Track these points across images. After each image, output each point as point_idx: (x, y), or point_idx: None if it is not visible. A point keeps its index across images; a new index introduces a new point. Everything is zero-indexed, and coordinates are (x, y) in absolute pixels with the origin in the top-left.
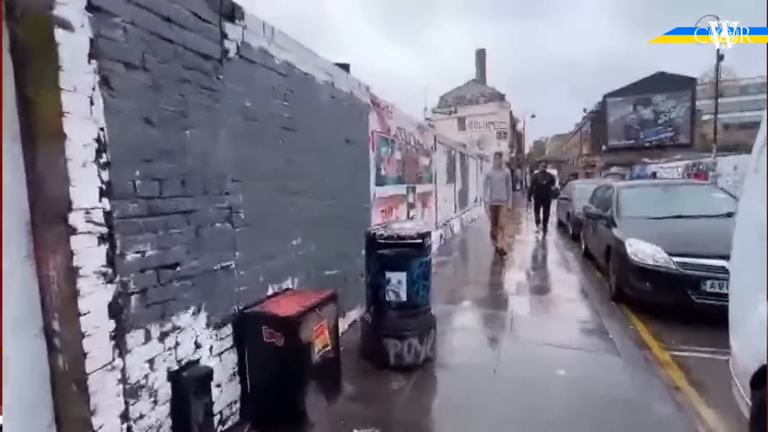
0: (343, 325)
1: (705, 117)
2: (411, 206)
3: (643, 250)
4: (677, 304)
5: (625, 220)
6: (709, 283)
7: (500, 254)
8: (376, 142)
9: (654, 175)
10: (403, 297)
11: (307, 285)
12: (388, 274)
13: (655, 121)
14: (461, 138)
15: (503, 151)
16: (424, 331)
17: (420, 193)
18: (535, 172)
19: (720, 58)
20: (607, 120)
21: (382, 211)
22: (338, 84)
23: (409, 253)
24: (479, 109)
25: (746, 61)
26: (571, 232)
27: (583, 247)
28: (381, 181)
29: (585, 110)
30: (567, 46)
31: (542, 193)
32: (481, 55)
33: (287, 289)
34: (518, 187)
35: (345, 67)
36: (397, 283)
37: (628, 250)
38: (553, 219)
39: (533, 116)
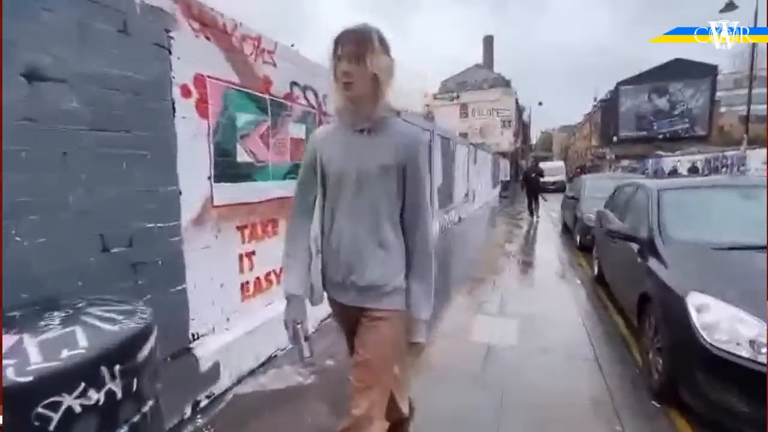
0: None
1: (722, 109)
2: None
3: (728, 324)
4: None
5: (676, 250)
6: None
7: None
8: (217, 99)
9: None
10: None
11: None
12: None
13: (671, 111)
14: (462, 126)
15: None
16: None
17: None
18: (528, 165)
19: None
20: (619, 109)
21: (243, 229)
22: None
23: None
24: (483, 95)
25: None
26: (578, 241)
27: (595, 269)
28: (235, 174)
29: (595, 99)
30: (579, 36)
31: (532, 185)
32: (488, 42)
33: None
34: (520, 177)
35: None
36: None
37: (694, 318)
38: (554, 215)
39: (540, 104)
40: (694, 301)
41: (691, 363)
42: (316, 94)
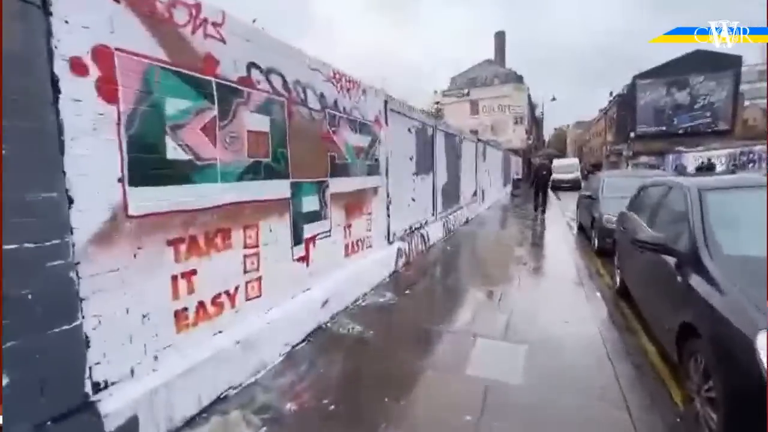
0: None
1: (746, 102)
2: (308, 219)
3: None
4: None
5: (731, 268)
6: None
7: None
8: (133, 80)
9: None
10: None
11: None
12: None
13: (691, 105)
14: (473, 123)
15: None
16: None
17: (340, 192)
18: (537, 163)
19: None
20: (636, 104)
21: (178, 243)
22: None
23: None
24: (494, 91)
25: None
26: (596, 245)
27: (617, 279)
28: (163, 175)
29: (611, 93)
30: (594, 29)
31: (541, 182)
32: (500, 38)
33: None
34: (532, 176)
35: None
36: None
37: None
38: (568, 213)
39: (553, 99)
40: (763, 346)
41: None
42: (284, 79)
